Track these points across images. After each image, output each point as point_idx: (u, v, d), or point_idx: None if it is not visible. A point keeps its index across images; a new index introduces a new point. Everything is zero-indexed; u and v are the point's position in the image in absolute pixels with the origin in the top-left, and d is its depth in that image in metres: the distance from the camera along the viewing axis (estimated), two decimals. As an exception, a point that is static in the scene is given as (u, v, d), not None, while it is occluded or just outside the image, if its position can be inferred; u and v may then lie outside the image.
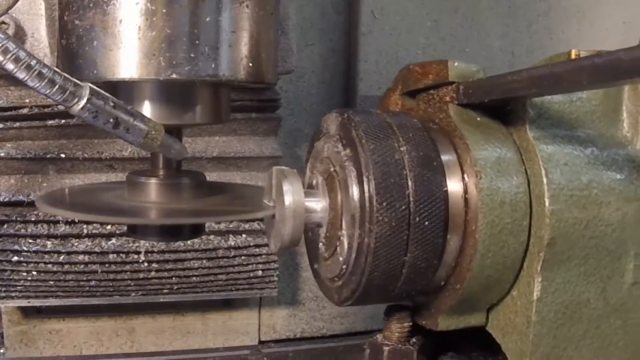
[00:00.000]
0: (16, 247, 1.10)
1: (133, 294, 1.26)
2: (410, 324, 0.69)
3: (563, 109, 0.66)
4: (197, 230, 0.77)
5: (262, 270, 1.33)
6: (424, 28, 1.90)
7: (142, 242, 1.16)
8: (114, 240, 1.16)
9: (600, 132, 0.67)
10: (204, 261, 1.25)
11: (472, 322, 0.68)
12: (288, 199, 0.61)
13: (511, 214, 0.62)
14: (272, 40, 0.73)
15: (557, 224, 0.62)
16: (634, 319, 0.69)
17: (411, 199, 0.60)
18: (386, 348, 0.68)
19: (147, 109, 0.70)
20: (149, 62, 0.64)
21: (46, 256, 1.13)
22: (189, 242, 1.24)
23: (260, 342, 1.42)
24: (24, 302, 1.21)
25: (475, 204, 0.61)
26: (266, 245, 1.30)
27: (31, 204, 1.10)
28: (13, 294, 1.20)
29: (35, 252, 1.12)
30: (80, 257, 1.17)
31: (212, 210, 0.72)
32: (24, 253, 1.13)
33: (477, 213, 0.61)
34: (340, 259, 0.62)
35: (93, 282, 1.20)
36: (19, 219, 1.10)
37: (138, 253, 1.17)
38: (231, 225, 1.27)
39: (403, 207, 0.59)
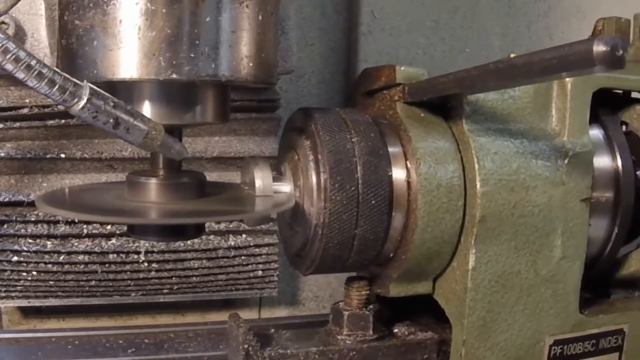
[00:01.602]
0: (16, 247, 1.13)
1: (133, 294, 1.28)
2: (368, 292, 0.85)
3: (496, 105, 0.82)
4: (197, 230, 0.80)
5: (262, 270, 1.35)
6: (424, 28, 1.98)
7: (142, 242, 1.17)
8: (114, 241, 1.18)
9: (531, 125, 0.83)
10: (204, 261, 1.27)
11: (419, 290, 0.84)
12: (258, 183, 0.77)
13: (447, 195, 0.78)
14: (272, 40, 0.75)
15: (487, 204, 0.78)
16: (563, 289, 0.85)
17: (360, 181, 0.76)
18: (346, 313, 0.84)
19: (147, 108, 0.74)
20: (149, 62, 0.67)
21: (46, 256, 1.16)
22: (189, 242, 1.26)
23: None
24: (24, 302, 1.24)
25: (416, 186, 0.77)
26: (267, 245, 1.28)
27: (31, 204, 1.12)
28: (13, 294, 1.24)
29: (36, 252, 1.14)
30: (80, 257, 1.19)
31: (212, 210, 0.75)
32: (24, 253, 1.15)
33: (417, 194, 0.77)
34: (303, 233, 0.79)
35: (93, 282, 1.22)
36: (19, 219, 1.12)
37: (138, 253, 1.18)
38: (231, 225, 1.24)
39: (353, 188, 0.76)
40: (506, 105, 0.83)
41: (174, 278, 1.23)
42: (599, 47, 0.52)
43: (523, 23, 2.10)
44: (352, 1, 1.77)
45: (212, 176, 1.20)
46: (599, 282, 0.97)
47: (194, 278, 1.25)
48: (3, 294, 1.21)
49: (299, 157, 0.79)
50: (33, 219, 1.12)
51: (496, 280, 0.81)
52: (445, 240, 0.79)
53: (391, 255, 0.81)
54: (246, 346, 0.78)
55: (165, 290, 1.28)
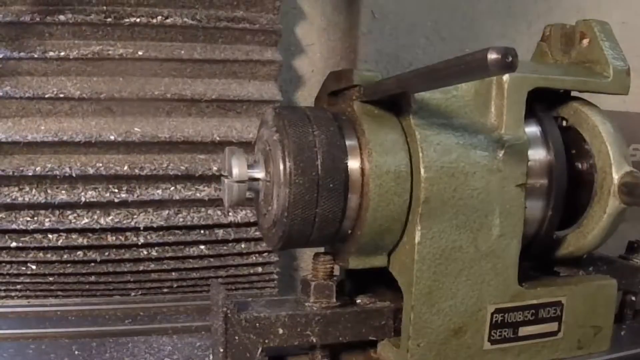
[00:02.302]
0: (14, 226, 1.19)
1: (133, 294, 1.38)
2: (332, 265, 1.04)
3: (440, 103, 1.00)
4: None
5: (262, 270, 1.49)
6: (424, 28, 2.14)
7: (141, 217, 1.26)
8: (112, 216, 1.25)
9: (472, 120, 1.02)
10: (204, 249, 1.37)
11: (375, 263, 1.03)
12: (235, 170, 0.97)
13: (395, 180, 0.97)
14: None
15: (430, 187, 0.97)
16: (502, 264, 1.03)
17: (319, 167, 0.95)
18: (312, 283, 1.03)
19: None
20: None
21: (44, 240, 1.22)
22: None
23: None
24: (23, 303, 1.30)
25: (368, 172, 0.96)
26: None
27: (28, 145, 1.16)
28: (13, 294, 1.30)
29: (33, 232, 1.20)
30: (79, 240, 1.24)
31: None
32: (22, 238, 1.20)
33: (369, 179, 0.96)
34: (272, 212, 0.98)
35: (93, 278, 1.31)
36: (15, 173, 1.15)
37: (137, 230, 1.26)
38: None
39: (314, 174, 0.95)
40: (449, 102, 1.01)
41: (173, 274, 1.35)
42: (492, 55, 0.71)
43: (523, 23, 2.24)
44: (352, 1, 1.93)
45: (212, 122, 1.29)
46: (545, 261, 1.15)
47: (194, 274, 1.38)
48: (3, 294, 1.29)
49: (269, 147, 0.99)
50: (30, 174, 1.16)
51: (440, 254, 0.99)
52: (394, 219, 0.98)
53: (349, 232, 1.00)
54: (225, 309, 0.97)
55: (165, 290, 1.40)
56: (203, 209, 1.36)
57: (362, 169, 0.97)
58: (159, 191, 1.30)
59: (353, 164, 0.97)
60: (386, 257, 1.04)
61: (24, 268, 1.24)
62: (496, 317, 1.04)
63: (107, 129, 1.24)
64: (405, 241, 1.01)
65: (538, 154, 1.06)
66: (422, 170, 0.97)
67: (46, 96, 1.18)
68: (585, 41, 1.13)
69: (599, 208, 1.06)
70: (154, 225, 1.30)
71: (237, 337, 0.97)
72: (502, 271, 1.03)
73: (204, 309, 1.19)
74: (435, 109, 1.00)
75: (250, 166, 0.99)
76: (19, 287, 1.28)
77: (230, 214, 1.36)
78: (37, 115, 1.21)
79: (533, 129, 1.08)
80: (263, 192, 1.00)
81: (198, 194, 1.34)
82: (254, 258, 1.41)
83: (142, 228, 1.29)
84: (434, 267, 0.99)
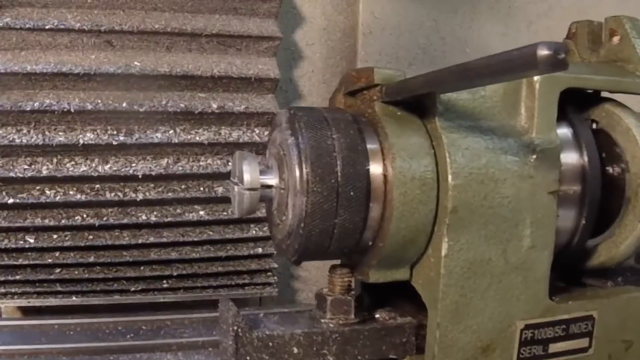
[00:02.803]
0: (12, 174, 1.14)
1: (132, 289, 1.32)
2: (350, 279, 0.93)
3: (467, 104, 0.89)
4: None
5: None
6: (424, 28, 2.06)
7: (139, 167, 1.19)
8: (110, 164, 1.18)
9: (501, 123, 0.91)
10: (203, 214, 1.31)
11: (397, 276, 0.92)
12: (246, 176, 0.85)
13: (420, 187, 0.86)
14: None
15: (458, 195, 0.86)
16: (533, 277, 0.92)
17: (339, 174, 0.84)
18: (329, 298, 0.92)
19: None
20: None
21: (42, 197, 1.16)
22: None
23: None
24: (24, 302, 1.28)
25: (391, 179, 0.85)
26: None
27: (27, 77, 1.11)
28: (13, 290, 1.27)
29: (31, 180, 1.14)
30: (77, 197, 1.17)
31: None
32: (20, 195, 1.14)
33: (393, 187, 0.85)
34: (287, 222, 0.87)
35: (92, 258, 1.24)
36: (14, 108, 1.11)
37: (135, 178, 1.19)
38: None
39: (333, 181, 0.84)
40: (477, 104, 0.90)
41: (174, 253, 1.30)
42: (542, 51, 0.60)
43: (523, 23, 2.17)
44: (352, 1, 1.85)
45: (212, 59, 1.26)
46: (573, 271, 1.04)
47: (194, 254, 1.33)
48: (3, 290, 1.26)
49: (284, 152, 0.87)
50: (28, 109, 1.13)
51: (468, 267, 0.89)
52: (419, 229, 0.87)
53: (370, 243, 0.89)
54: (236, 328, 0.86)
55: (165, 285, 1.35)
56: (202, 158, 1.31)
57: (385, 176, 0.86)
58: (158, 134, 1.25)
59: (375, 170, 0.86)
60: (409, 269, 0.93)
61: (22, 242, 1.19)
62: (526, 333, 0.93)
63: (106, 62, 1.19)
64: (430, 253, 0.90)
65: (570, 159, 0.96)
66: (449, 177, 0.86)
67: (46, 27, 1.15)
68: (616, 38, 1.03)
69: (634, 216, 0.96)
70: (153, 173, 1.24)
71: (248, 358, 0.86)
72: (533, 285, 0.93)
73: (211, 322, 1.08)
74: (462, 110, 0.89)
75: (262, 172, 0.88)
76: (18, 276, 1.23)
77: (229, 163, 1.30)
78: (36, 47, 1.17)
79: (564, 131, 0.97)
80: (277, 200, 0.89)
81: (197, 138, 1.30)
82: (254, 232, 1.36)
83: (140, 176, 1.22)
84: (461, 282, 0.89)
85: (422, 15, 2.03)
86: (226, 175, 1.34)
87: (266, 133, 1.38)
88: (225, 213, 1.35)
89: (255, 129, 1.39)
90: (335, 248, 0.88)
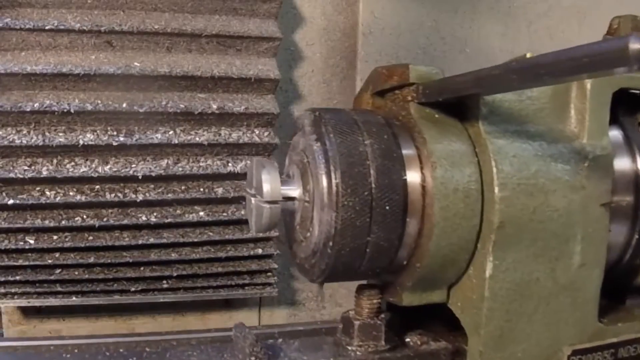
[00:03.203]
0: (12, 175, 1.11)
1: (132, 289, 1.27)
2: (379, 300, 0.81)
3: (513, 106, 0.77)
4: None
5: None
6: (424, 28, 1.95)
7: (139, 167, 1.16)
8: (110, 165, 1.15)
9: (549, 127, 0.79)
10: (203, 215, 1.26)
11: (433, 298, 0.79)
12: (266, 187, 0.72)
13: (464, 200, 0.73)
14: None
15: (505, 209, 0.74)
16: (583, 298, 0.80)
17: (373, 185, 0.71)
18: (356, 322, 0.80)
19: None
20: None
21: (42, 197, 1.13)
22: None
23: None
24: (24, 302, 1.24)
25: (431, 191, 0.72)
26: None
27: (27, 78, 1.09)
28: (13, 290, 1.23)
29: (31, 181, 1.11)
30: (77, 197, 1.15)
31: None
32: (20, 195, 1.11)
33: (433, 199, 0.72)
34: (313, 240, 0.74)
35: (92, 259, 1.20)
36: (13, 109, 1.08)
37: (135, 179, 1.15)
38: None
39: (366, 193, 0.71)
40: (524, 106, 0.78)
41: (173, 254, 1.25)
42: (635, 45, 0.48)
43: (523, 23, 2.07)
44: (352, 1, 1.75)
45: (212, 59, 1.24)
46: (616, 288, 0.93)
47: (194, 254, 1.28)
48: (3, 290, 1.20)
49: (308, 160, 0.74)
50: (28, 109, 1.11)
51: (514, 289, 0.76)
52: (461, 247, 0.75)
53: (405, 262, 0.76)
54: (253, 359, 0.73)
55: (165, 285, 1.29)
56: (202, 159, 1.28)
57: (424, 187, 0.74)
58: (158, 135, 1.22)
59: (412, 180, 0.74)
60: (446, 291, 0.80)
61: (22, 243, 1.16)
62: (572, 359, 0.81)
63: (106, 63, 1.16)
64: (471, 274, 0.77)
65: (622, 166, 0.84)
66: (496, 189, 0.73)
67: (46, 28, 1.12)
68: (664, 34, 0.90)
69: (688, 230, 0.85)
70: (153, 174, 1.19)
71: (267, 393, 0.73)
72: (582, 306, 0.81)
73: (221, 342, 0.95)
74: (508, 113, 0.77)
75: (283, 182, 0.75)
76: (18, 277, 1.20)
77: (229, 164, 1.28)
78: (36, 47, 1.14)
79: (614, 135, 0.85)
80: (300, 214, 0.76)
81: (197, 138, 1.25)
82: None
83: (140, 177, 1.18)
84: (506, 305, 0.77)
85: (422, 15, 1.95)
86: (226, 176, 1.28)
87: (266, 134, 1.31)
88: (225, 214, 1.30)
89: (255, 130, 1.34)
90: (366, 269, 0.75)
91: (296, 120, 0.79)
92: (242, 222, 1.31)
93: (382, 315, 0.81)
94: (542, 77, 0.59)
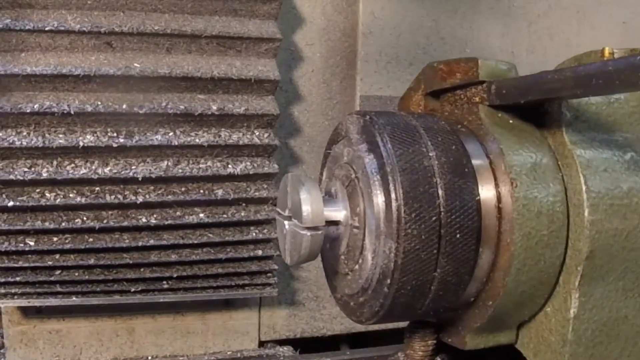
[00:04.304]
0: (11, 177, 1.10)
1: (133, 289, 1.26)
2: (435, 341, 0.63)
3: (600, 111, 0.60)
4: None
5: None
6: (424, 28, 1.87)
7: (139, 169, 1.16)
8: (110, 167, 1.14)
9: (639, 135, 0.61)
10: (203, 216, 1.26)
11: (501, 340, 0.62)
12: (306, 209, 0.54)
13: (548, 225, 0.55)
14: None
15: (596, 235, 0.56)
16: (674, 336, 0.63)
17: (442, 209, 0.53)
18: (409, 368, 0.61)
19: None
20: None
21: (42, 199, 1.12)
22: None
23: (260, 342, 1.41)
24: (24, 302, 1.22)
25: (510, 214, 0.54)
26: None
27: (27, 79, 1.09)
28: (13, 290, 1.20)
29: (31, 182, 1.11)
30: (77, 199, 1.15)
31: None
32: (20, 197, 1.12)
33: (513, 224, 0.54)
34: (363, 274, 0.56)
35: (92, 261, 1.19)
36: (14, 110, 1.08)
37: (135, 181, 1.15)
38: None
39: (433, 219, 0.53)
40: (612, 110, 0.60)
41: (173, 256, 1.24)
42: None
43: (523, 23, 1.99)
44: (352, 1, 1.68)
45: (212, 60, 1.24)
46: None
47: (194, 256, 1.26)
48: (3, 291, 1.20)
49: (357, 175, 0.56)
50: (28, 110, 1.09)
51: (600, 330, 0.59)
52: (542, 282, 0.57)
53: (472, 299, 0.58)
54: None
55: (165, 285, 1.27)
56: (202, 161, 1.26)
57: (499, 209, 0.55)
58: (158, 136, 1.21)
59: (486, 200, 0.56)
60: (515, 330, 0.63)
61: (22, 245, 1.15)
62: (657, 408, 0.64)
63: (106, 64, 1.15)
64: (550, 312, 0.60)
65: None
66: (586, 211, 0.56)
67: (46, 29, 1.12)
68: None
69: None
70: (153, 175, 1.17)
71: None
72: (672, 346, 0.64)
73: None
74: (594, 118, 0.59)
75: (324, 202, 0.56)
76: (18, 278, 1.18)
77: (229, 166, 1.27)
78: (36, 49, 1.14)
79: None
80: (345, 241, 0.58)
81: (197, 140, 1.24)
82: (254, 234, 1.29)
83: (140, 179, 1.17)
84: (591, 349, 0.59)
85: (422, 15, 1.85)
86: (226, 178, 1.25)
87: (266, 135, 1.28)
88: (225, 215, 1.29)
89: (255, 131, 1.32)
90: (428, 309, 0.57)
91: (337, 127, 0.60)
92: (242, 224, 1.30)
93: (438, 358, 0.63)
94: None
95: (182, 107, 1.22)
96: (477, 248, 0.55)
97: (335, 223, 0.57)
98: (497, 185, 0.56)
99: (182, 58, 1.25)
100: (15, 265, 1.18)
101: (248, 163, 1.30)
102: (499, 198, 0.55)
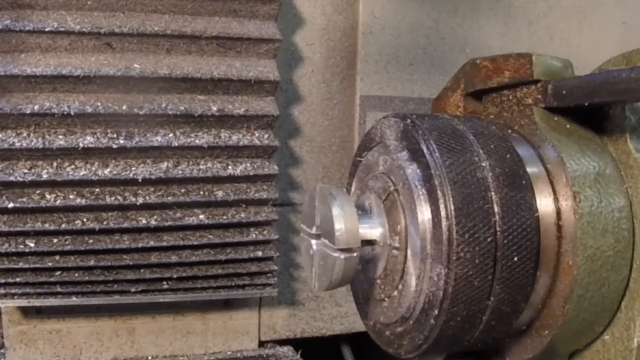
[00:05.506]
0: (12, 178, 1.09)
1: (133, 289, 1.24)
2: (476, 373, 0.54)
3: (667, 114, 0.51)
4: None
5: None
6: (424, 28, 1.81)
7: (139, 170, 1.14)
8: (110, 168, 1.12)
9: None
10: (203, 218, 1.23)
11: (552, 371, 0.53)
12: (339, 228, 0.45)
13: (614, 245, 0.47)
14: None
15: (666, 256, 0.48)
16: None
17: (498, 228, 0.44)
18: (449, 403, 0.53)
19: None
20: None
21: (42, 201, 1.11)
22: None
23: (260, 342, 1.39)
24: (24, 302, 1.22)
25: (573, 233, 0.46)
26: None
27: (27, 80, 1.08)
28: (13, 290, 1.20)
29: (31, 184, 1.10)
30: (77, 200, 1.13)
31: None
32: (20, 199, 1.10)
33: (576, 245, 0.46)
34: (404, 302, 0.47)
35: (92, 261, 1.18)
36: (13, 111, 1.06)
37: (135, 182, 1.13)
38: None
39: (489, 239, 0.44)
40: (677, 113, 0.52)
41: (173, 257, 1.22)
42: None
43: (523, 23, 1.92)
44: (352, 1, 1.63)
45: (211, 61, 1.23)
46: None
47: (194, 257, 1.24)
48: (3, 291, 1.20)
49: (396, 188, 0.47)
50: (28, 112, 1.09)
51: (666, 360, 0.51)
52: (605, 308, 0.49)
53: (524, 327, 0.50)
54: None
55: (165, 285, 1.27)
56: (202, 162, 1.24)
57: (559, 227, 0.47)
58: (158, 137, 1.19)
59: (545, 216, 0.47)
60: (566, 358, 0.54)
61: (22, 246, 1.14)
62: None
63: (106, 64, 1.14)
64: (609, 340, 0.51)
65: None
66: (655, 228, 0.47)
67: (46, 30, 1.11)
68: None
69: None
70: (153, 177, 1.16)
71: None
72: None
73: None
74: (660, 122, 0.51)
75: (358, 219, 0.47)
76: (18, 279, 1.17)
77: (229, 167, 1.24)
78: (36, 49, 1.13)
79: None
80: (382, 263, 0.49)
81: (197, 141, 1.22)
82: (254, 235, 1.26)
83: (140, 180, 1.15)
84: (655, 382, 0.51)
85: (422, 15, 1.79)
86: (226, 179, 1.24)
87: (266, 136, 1.26)
88: (225, 217, 1.26)
89: (255, 132, 1.29)
90: (476, 341, 0.48)
91: (370, 131, 0.51)
92: (242, 225, 1.27)
93: (479, 392, 0.55)
94: None
95: (182, 108, 1.20)
96: (535, 272, 0.46)
97: (371, 243, 0.48)
98: (556, 199, 0.47)
99: (182, 59, 1.25)
100: (16, 266, 1.18)
101: (248, 164, 1.27)
102: (558, 214, 0.47)
